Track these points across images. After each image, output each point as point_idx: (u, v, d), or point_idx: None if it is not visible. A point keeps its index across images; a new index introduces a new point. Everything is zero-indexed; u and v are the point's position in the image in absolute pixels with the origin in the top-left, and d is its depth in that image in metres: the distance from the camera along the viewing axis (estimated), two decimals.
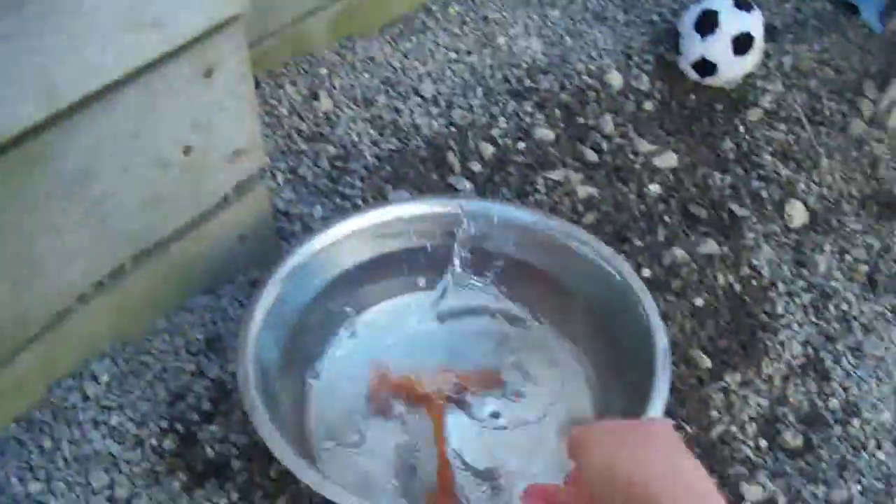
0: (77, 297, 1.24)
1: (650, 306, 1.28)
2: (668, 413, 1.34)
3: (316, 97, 1.71)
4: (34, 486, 1.20)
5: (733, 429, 1.39)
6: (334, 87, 1.74)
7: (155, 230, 1.30)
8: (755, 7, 1.85)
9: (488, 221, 1.38)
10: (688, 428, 1.37)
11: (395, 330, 1.40)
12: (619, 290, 1.31)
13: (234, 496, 1.22)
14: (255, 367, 1.18)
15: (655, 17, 2.01)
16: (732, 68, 1.83)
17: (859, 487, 1.36)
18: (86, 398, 1.28)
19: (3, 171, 1.04)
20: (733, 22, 1.80)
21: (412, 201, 1.49)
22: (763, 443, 1.39)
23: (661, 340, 1.24)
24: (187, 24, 1.15)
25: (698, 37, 1.81)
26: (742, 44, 1.80)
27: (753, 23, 1.82)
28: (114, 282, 1.28)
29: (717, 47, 1.80)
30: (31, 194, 1.09)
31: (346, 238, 1.36)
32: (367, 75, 1.79)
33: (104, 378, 1.30)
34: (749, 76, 1.89)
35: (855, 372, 1.49)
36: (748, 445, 1.38)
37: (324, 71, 1.76)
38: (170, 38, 1.14)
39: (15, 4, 0.94)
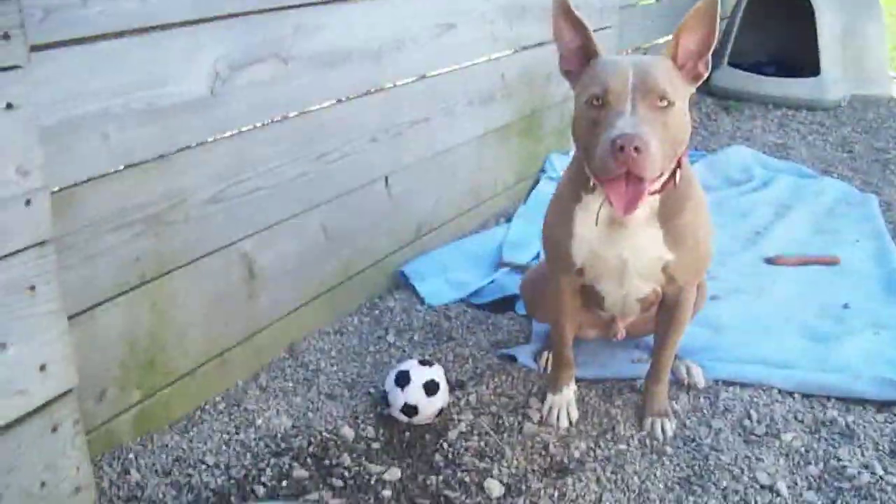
0: None
1: None
2: None
3: (128, 472, 2.29)
4: None
5: None
6: (141, 465, 2.32)
7: None
8: (436, 363, 2.62)
9: None
10: None
11: None
12: None
13: None
14: None
15: (372, 390, 2.74)
16: (429, 407, 2.54)
17: None
18: None
19: None
20: (421, 375, 2.55)
21: None
22: None
23: None
24: (40, 394, 1.76)
25: (399, 389, 2.53)
26: (431, 388, 2.54)
27: (436, 373, 2.57)
28: None
29: (414, 394, 2.53)
30: None
31: None
32: (163, 456, 2.38)
33: None
34: (445, 412, 2.60)
35: None
36: None
37: (131, 455, 2.35)
38: (29, 403, 1.74)
39: None
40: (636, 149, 1.93)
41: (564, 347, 2.63)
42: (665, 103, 2.02)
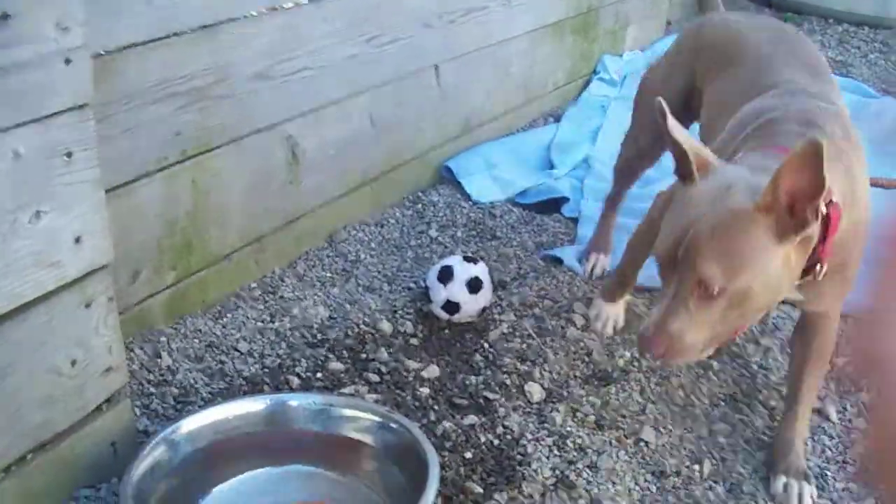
0: None
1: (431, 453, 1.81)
2: None
3: (159, 356, 2.22)
4: None
5: None
6: (173, 350, 2.26)
7: (50, 428, 1.73)
8: (480, 261, 2.52)
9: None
10: None
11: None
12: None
13: None
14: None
15: (412, 285, 2.65)
16: (471, 305, 2.45)
17: None
18: None
19: None
20: (465, 271, 2.45)
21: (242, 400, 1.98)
22: None
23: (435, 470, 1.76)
24: (74, 268, 1.68)
25: (441, 285, 2.44)
26: (474, 285, 2.44)
27: (480, 270, 2.48)
28: (19, 468, 1.69)
29: (456, 290, 2.44)
30: None
31: (197, 428, 1.85)
32: (196, 342, 2.31)
33: None
34: (487, 311, 2.51)
35: (595, 479, 2.01)
36: None
37: (163, 339, 2.28)
38: (63, 276, 1.66)
39: None
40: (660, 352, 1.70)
41: (635, 269, 2.45)
42: (713, 291, 1.63)
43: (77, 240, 1.65)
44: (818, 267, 1.72)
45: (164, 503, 1.76)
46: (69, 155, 1.60)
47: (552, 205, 3.18)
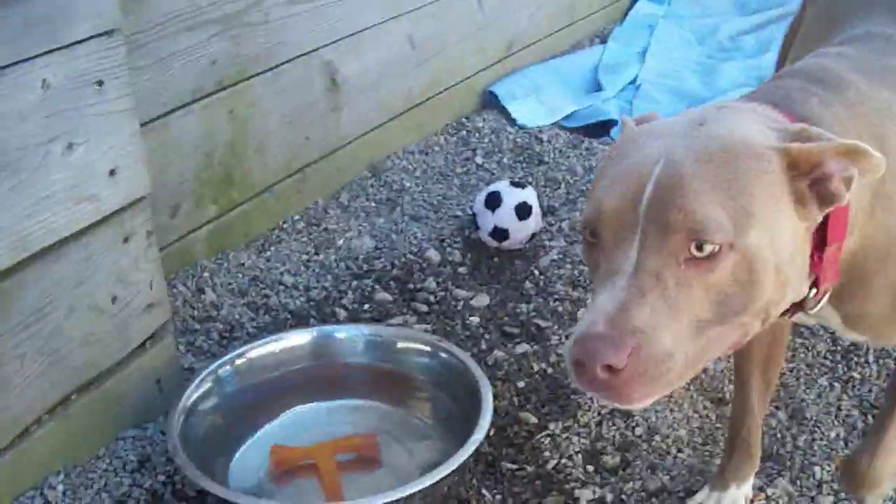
0: (35, 419, 1.61)
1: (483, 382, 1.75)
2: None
3: (202, 292, 2.17)
4: None
5: (564, 461, 1.81)
6: (217, 285, 2.21)
7: (93, 366, 1.69)
8: (528, 185, 2.44)
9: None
10: (527, 467, 1.78)
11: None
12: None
13: None
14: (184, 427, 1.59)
15: (459, 213, 2.58)
16: (520, 231, 2.38)
17: (668, 478, 1.78)
18: (47, 502, 1.62)
19: None
20: (513, 196, 2.37)
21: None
22: (590, 467, 1.81)
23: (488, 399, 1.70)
24: (111, 201, 1.62)
25: (489, 212, 2.37)
26: (523, 211, 2.37)
27: (529, 195, 2.40)
28: (63, 410, 1.66)
29: (505, 216, 2.36)
30: (1, 326, 1.50)
31: (243, 363, 1.81)
32: (240, 276, 2.26)
33: (60, 488, 1.65)
34: (536, 237, 2.43)
35: (652, 406, 1.95)
36: (577, 470, 1.80)
37: (206, 274, 2.23)
38: (99, 210, 1.61)
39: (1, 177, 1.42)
40: (607, 366, 1.02)
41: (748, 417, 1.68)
42: (709, 249, 1.03)
43: (112, 172, 1.60)
44: (814, 292, 1.19)
45: (212, 440, 1.72)
46: (100, 84, 1.54)
47: (600, 128, 3.08)
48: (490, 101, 3.18)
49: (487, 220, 2.37)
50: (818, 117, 1.18)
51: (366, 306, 2.20)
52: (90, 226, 1.60)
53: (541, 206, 2.46)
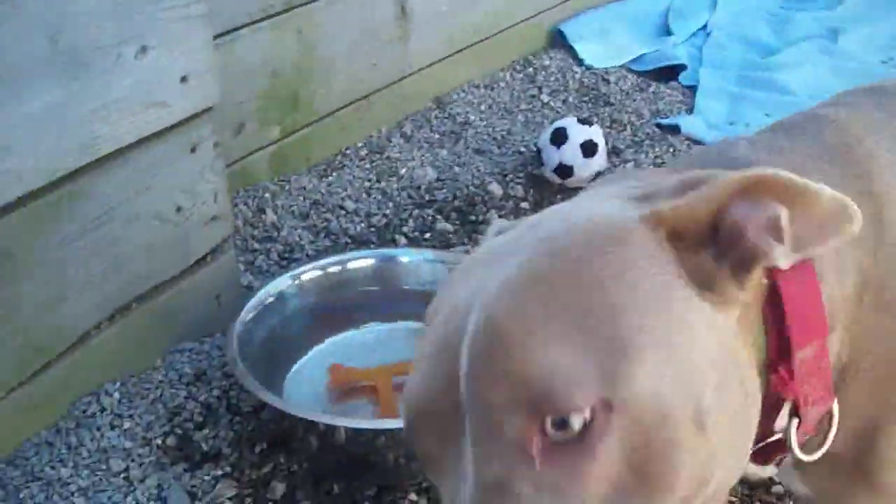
0: (94, 325, 1.61)
1: None
2: None
3: (263, 212, 2.16)
4: (64, 472, 1.52)
5: None
6: (278, 206, 2.20)
7: (153, 276, 1.69)
8: (595, 123, 2.39)
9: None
10: None
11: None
12: None
13: (227, 469, 1.56)
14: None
15: (522, 149, 2.54)
16: (585, 169, 2.34)
17: None
18: (103, 409, 1.63)
19: (46, 208, 1.44)
20: (579, 133, 2.33)
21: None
22: None
23: None
24: (180, 108, 1.60)
25: (554, 148, 2.33)
26: (589, 148, 2.32)
27: (595, 133, 2.35)
28: (122, 317, 1.65)
29: (570, 153, 2.32)
30: (65, 229, 1.49)
31: (304, 282, 1.80)
32: (301, 199, 2.25)
33: (116, 395, 1.65)
34: (601, 175, 2.39)
35: None
36: None
37: (267, 195, 2.22)
38: (168, 116, 1.59)
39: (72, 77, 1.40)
40: None
41: None
42: (577, 422, 0.66)
43: (183, 79, 1.58)
44: (793, 434, 0.80)
45: (270, 359, 1.71)
46: None
47: (669, 72, 3.02)
48: (558, 40, 3.13)
49: (552, 156, 2.33)
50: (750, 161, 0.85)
51: (426, 235, 2.17)
52: (159, 132, 1.59)
53: (606, 145, 2.41)
